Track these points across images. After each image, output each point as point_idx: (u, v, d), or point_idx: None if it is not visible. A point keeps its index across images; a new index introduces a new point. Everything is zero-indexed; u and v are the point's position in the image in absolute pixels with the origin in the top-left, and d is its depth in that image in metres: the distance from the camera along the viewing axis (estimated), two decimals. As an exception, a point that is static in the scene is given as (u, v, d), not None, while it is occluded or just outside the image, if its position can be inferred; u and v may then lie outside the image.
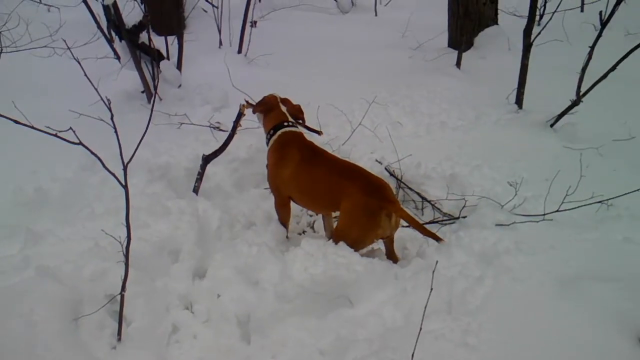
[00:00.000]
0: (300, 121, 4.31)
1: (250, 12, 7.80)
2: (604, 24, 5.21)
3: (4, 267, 3.37)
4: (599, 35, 5.18)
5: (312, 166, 3.88)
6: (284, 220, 4.17)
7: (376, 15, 11.57)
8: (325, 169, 3.84)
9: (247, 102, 4.46)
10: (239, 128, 4.54)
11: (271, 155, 4.07)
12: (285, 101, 4.29)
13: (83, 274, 3.18)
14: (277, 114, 4.16)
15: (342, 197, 3.67)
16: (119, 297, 2.88)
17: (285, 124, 4.08)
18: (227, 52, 7.57)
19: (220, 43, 8.02)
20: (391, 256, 3.87)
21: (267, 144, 4.14)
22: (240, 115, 4.45)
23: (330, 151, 4.89)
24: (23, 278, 3.14)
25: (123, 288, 2.81)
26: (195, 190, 4.39)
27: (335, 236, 3.70)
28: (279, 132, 4.05)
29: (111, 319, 3.04)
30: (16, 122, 2.53)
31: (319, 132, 4.51)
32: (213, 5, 8.36)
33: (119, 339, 2.97)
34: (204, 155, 4.45)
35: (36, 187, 4.21)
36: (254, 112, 4.30)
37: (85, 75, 2.74)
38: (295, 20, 10.18)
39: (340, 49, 8.30)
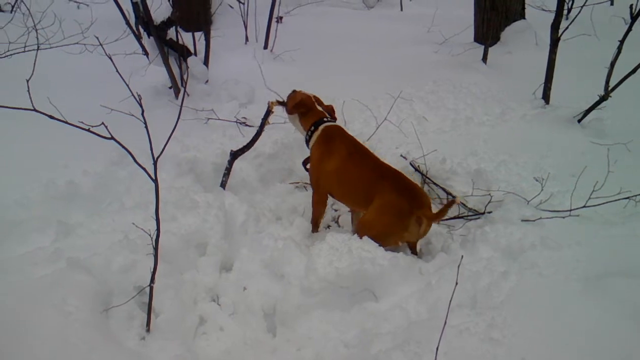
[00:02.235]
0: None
1: (276, 8, 7.84)
2: (634, 17, 5.13)
3: (37, 259, 3.45)
4: (629, 29, 5.10)
5: (357, 161, 3.96)
6: (318, 216, 4.21)
7: (402, 10, 11.52)
8: (369, 165, 3.92)
9: (276, 100, 4.49)
10: (266, 125, 4.58)
11: (315, 149, 4.13)
12: (317, 100, 4.36)
13: (113, 266, 3.26)
14: (315, 112, 4.23)
15: (376, 194, 3.73)
16: (147, 289, 2.93)
17: (325, 119, 4.17)
18: (254, 48, 7.62)
19: (247, 39, 8.07)
20: (413, 251, 3.91)
21: (307, 142, 4.20)
22: (268, 112, 4.49)
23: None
24: (55, 269, 3.21)
25: (152, 280, 2.87)
26: (223, 184, 4.45)
27: (358, 226, 3.76)
28: (321, 127, 4.13)
29: (140, 310, 3.11)
30: (51, 117, 2.60)
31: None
32: (239, 2, 8.40)
33: (148, 330, 3.03)
34: (232, 150, 4.50)
35: (68, 181, 4.30)
36: (290, 113, 4.33)
37: (117, 71, 2.79)
38: (321, 15, 10.18)
39: (366, 44, 8.28)
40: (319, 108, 4.28)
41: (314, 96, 4.36)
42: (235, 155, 4.50)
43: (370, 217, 3.75)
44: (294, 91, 4.41)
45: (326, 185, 4.09)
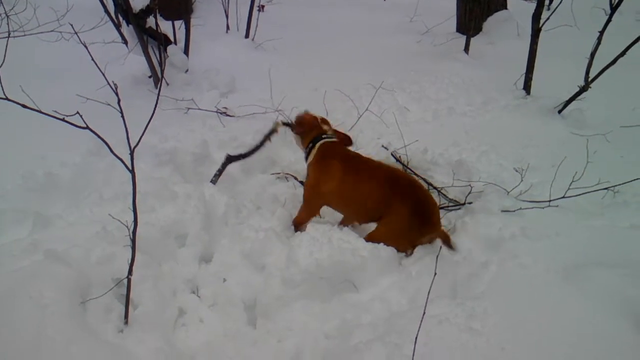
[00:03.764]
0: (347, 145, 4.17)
1: (258, -3, 7.79)
2: (614, 8, 5.15)
3: (14, 251, 3.41)
4: (609, 20, 5.13)
5: (357, 178, 3.78)
6: (300, 224, 4.01)
7: (384, -1, 11.50)
8: (372, 181, 3.75)
9: (282, 121, 4.43)
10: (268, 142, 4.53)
11: (313, 168, 3.97)
12: (324, 121, 4.19)
13: (91, 258, 3.22)
14: (315, 130, 4.06)
15: (389, 209, 3.63)
16: (126, 281, 2.90)
17: (324, 136, 4.00)
18: (235, 37, 7.57)
19: (228, 28, 8.00)
20: None
21: (306, 159, 4.07)
22: (273, 131, 4.43)
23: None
24: (32, 261, 3.17)
25: (130, 272, 2.83)
26: (213, 182, 4.40)
27: (369, 237, 3.67)
28: (317, 144, 3.96)
29: (118, 302, 3.07)
30: (24, 106, 2.54)
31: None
32: (220, -10, 8.34)
33: (126, 322, 3.00)
34: (228, 154, 4.44)
35: (45, 172, 4.24)
36: (297, 134, 4.16)
37: (92, 59, 2.74)
38: (303, 4, 10.13)
39: (348, 34, 8.27)
40: (323, 127, 4.10)
41: (322, 118, 4.21)
42: (230, 159, 4.44)
43: (384, 235, 3.63)
44: (304, 112, 4.25)
45: (323, 203, 3.97)
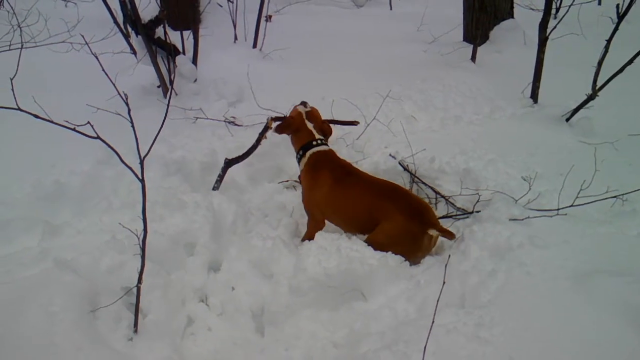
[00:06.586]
0: (327, 137, 4.16)
1: (265, 7, 7.81)
2: (621, 17, 5.15)
3: (23, 259, 3.44)
4: (616, 29, 5.13)
5: (347, 187, 3.81)
6: (310, 237, 3.93)
7: (391, 9, 11.54)
8: (362, 190, 3.78)
9: (274, 117, 4.45)
10: (263, 139, 4.55)
11: (303, 178, 4.00)
12: (312, 115, 4.14)
13: (100, 266, 3.24)
14: (304, 133, 4.04)
15: (382, 218, 3.64)
16: (135, 290, 2.91)
17: (314, 142, 4.00)
18: (242, 47, 7.61)
19: (236, 38, 8.04)
20: None
21: (298, 163, 4.09)
22: (266, 128, 4.45)
23: (344, 146, 4.91)
24: (42, 269, 3.20)
25: (139, 280, 2.85)
26: (215, 189, 4.43)
27: (370, 243, 3.68)
28: (308, 154, 3.96)
29: (128, 311, 3.09)
30: (36, 116, 2.58)
31: (354, 123, 4.47)
32: (229, 0, 8.39)
33: (135, 331, 3.01)
34: (226, 159, 4.47)
35: (55, 181, 4.28)
36: (279, 133, 4.14)
37: (103, 70, 2.78)
38: (310, 14, 10.17)
39: (355, 43, 8.29)
40: (309, 127, 4.05)
41: (309, 112, 4.14)
42: (229, 163, 4.47)
43: (383, 243, 3.61)
44: (299, 103, 4.20)
45: (321, 213, 3.95)
